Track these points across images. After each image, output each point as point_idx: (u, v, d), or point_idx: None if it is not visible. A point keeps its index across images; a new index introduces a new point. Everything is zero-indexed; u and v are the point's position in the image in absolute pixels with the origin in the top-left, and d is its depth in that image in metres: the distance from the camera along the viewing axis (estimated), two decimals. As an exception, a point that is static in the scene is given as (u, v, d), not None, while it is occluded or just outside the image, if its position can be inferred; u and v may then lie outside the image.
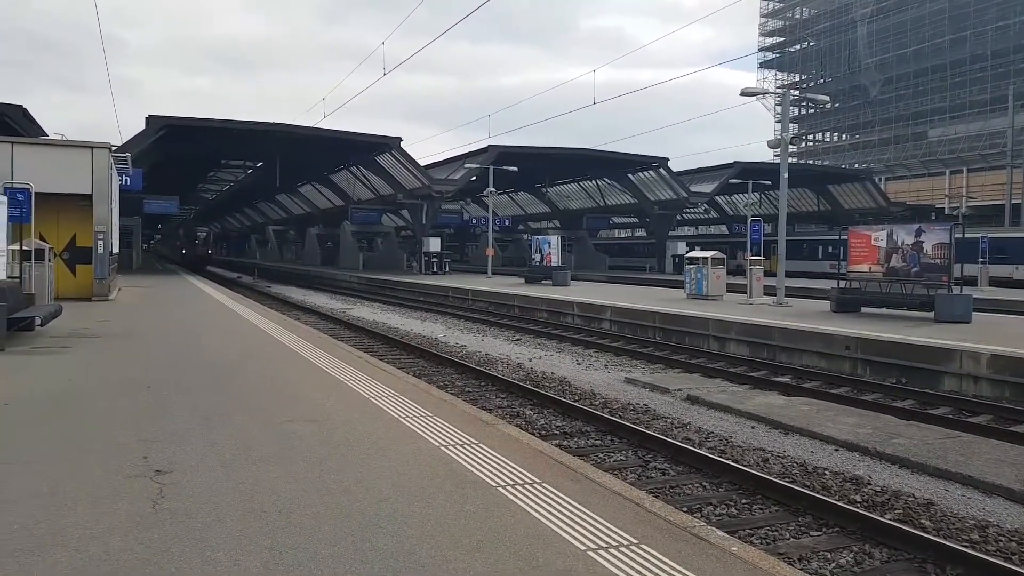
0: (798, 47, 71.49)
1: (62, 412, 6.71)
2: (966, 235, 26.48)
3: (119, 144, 28.04)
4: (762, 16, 74.05)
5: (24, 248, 14.89)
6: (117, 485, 4.66)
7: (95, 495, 4.47)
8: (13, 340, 11.01)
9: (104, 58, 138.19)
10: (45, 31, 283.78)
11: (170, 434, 5.91)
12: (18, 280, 14.12)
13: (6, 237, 13.39)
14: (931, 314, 15.79)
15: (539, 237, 35.16)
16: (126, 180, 26.13)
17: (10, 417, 6.49)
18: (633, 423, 8.95)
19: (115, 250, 22.87)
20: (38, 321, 12.15)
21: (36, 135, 25.19)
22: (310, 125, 38.17)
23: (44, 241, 16.32)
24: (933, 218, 45.12)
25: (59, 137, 21.02)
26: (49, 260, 16.01)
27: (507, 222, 59.48)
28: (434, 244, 42.79)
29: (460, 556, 3.69)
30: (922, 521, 5.99)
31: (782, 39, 73.04)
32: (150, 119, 31.74)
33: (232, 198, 70.66)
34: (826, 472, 7.29)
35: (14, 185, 15.06)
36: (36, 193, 15.19)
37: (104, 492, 4.52)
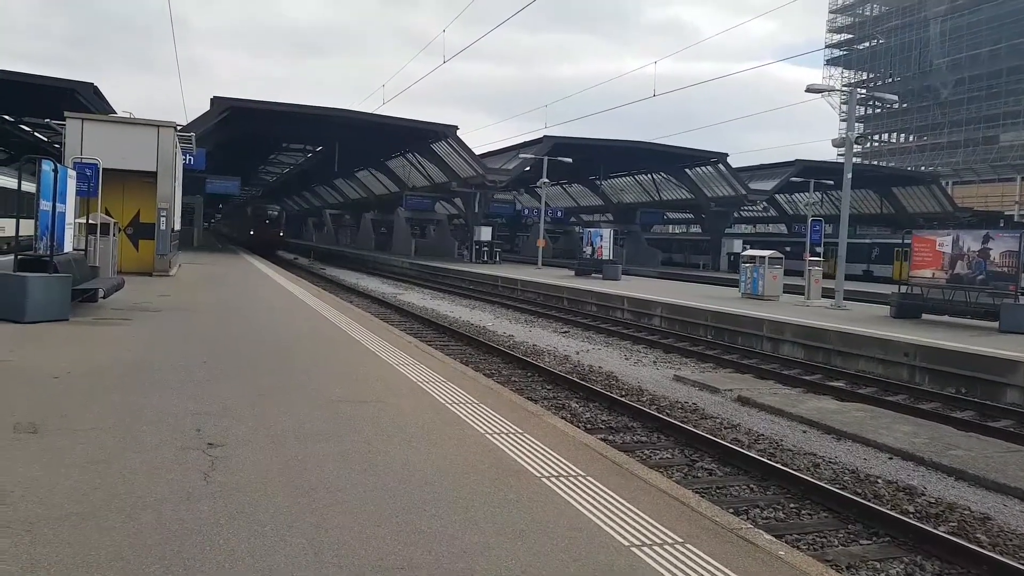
0: (867, 45, 69.37)
1: (120, 383, 6.92)
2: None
3: (184, 124, 28.77)
4: (831, 12, 72.09)
5: (90, 222, 15.39)
6: (171, 456, 4.78)
7: (150, 465, 4.59)
8: (77, 310, 11.40)
9: (172, 38, 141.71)
10: (116, 9, 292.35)
11: (223, 408, 6.04)
12: (84, 253, 14.61)
13: (74, 210, 13.85)
14: (995, 324, 15.22)
15: (591, 230, 34.97)
16: (190, 159, 26.81)
17: (71, 385, 6.72)
18: (681, 421, 8.84)
19: (177, 227, 23.49)
20: (101, 293, 12.56)
21: (105, 112, 25.97)
22: (369, 111, 38.60)
23: (109, 216, 16.85)
24: (1002, 224, 43.48)
25: (127, 115, 21.61)
26: (114, 234, 16.53)
27: (559, 213, 59.21)
28: (485, 233, 42.93)
29: (502, 543, 3.68)
30: (977, 535, 5.79)
31: (850, 36, 70.96)
32: (214, 101, 32.46)
33: (291, 181, 71.80)
34: (879, 480, 7.10)
35: (83, 160, 15.57)
36: (103, 169, 15.68)
37: (158, 462, 4.64)
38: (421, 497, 4.26)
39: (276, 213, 52.04)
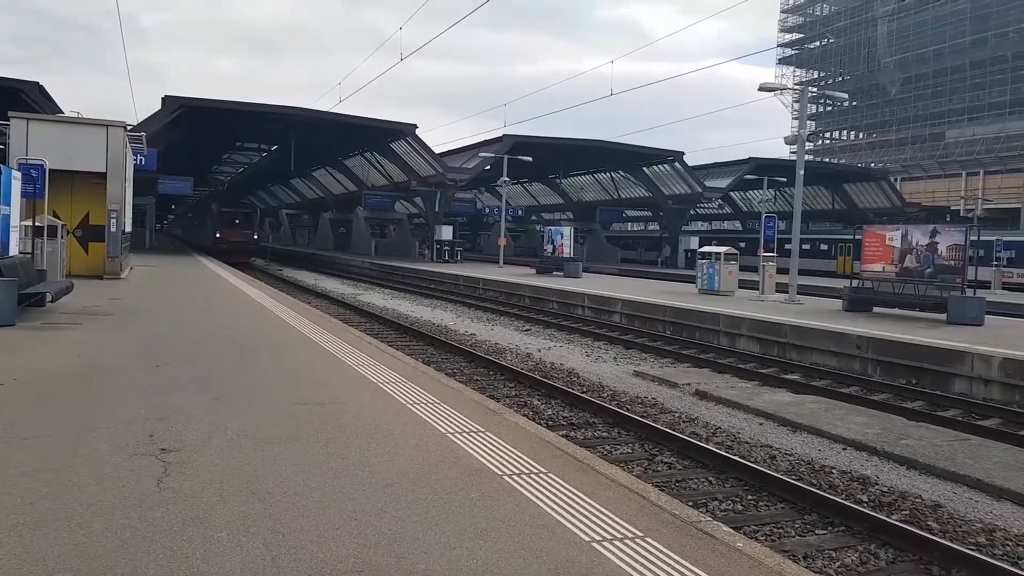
0: (817, 44, 70.80)
1: (70, 388, 6.73)
2: (981, 238, 26.24)
3: (135, 124, 28.12)
4: (782, 11, 73.40)
5: (37, 224, 14.95)
6: (122, 463, 4.66)
7: (100, 472, 4.47)
8: (24, 315, 11.07)
9: (121, 36, 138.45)
10: (65, 10, 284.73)
11: (177, 413, 5.92)
12: (30, 256, 14.18)
13: (20, 213, 13.44)
14: (943, 316, 15.65)
15: (552, 228, 35.10)
16: (141, 160, 26.18)
17: (17, 392, 6.52)
18: (641, 416, 8.91)
19: (128, 229, 22.95)
20: (49, 297, 12.21)
21: (52, 112, 25.26)
22: (325, 110, 38.15)
23: (57, 218, 16.39)
24: (948, 219, 44.77)
25: (75, 115, 21.04)
26: (62, 237, 16.09)
27: (520, 212, 59.31)
28: (446, 232, 42.80)
29: (464, 543, 3.67)
30: (929, 523, 5.93)
31: (801, 35, 72.35)
32: (166, 99, 31.80)
33: (246, 181, 70.63)
34: (833, 471, 7.24)
35: (29, 161, 15.11)
36: (50, 170, 15.23)
37: (109, 469, 4.53)
38: (381, 499, 4.22)
39: (249, 211, 43.56)
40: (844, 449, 8.03)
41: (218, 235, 39.16)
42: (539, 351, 14.19)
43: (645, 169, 47.58)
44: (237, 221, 40.18)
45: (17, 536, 3.52)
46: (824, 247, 44.02)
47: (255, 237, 41.03)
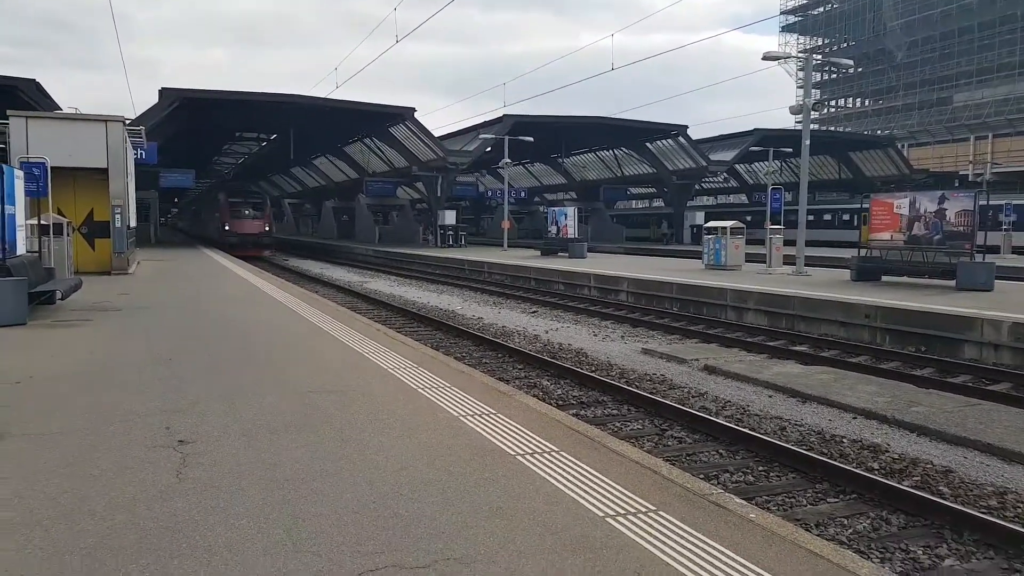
0: (821, 10, 70.03)
1: (85, 384, 6.81)
2: (990, 202, 26.07)
3: (133, 118, 28.12)
4: (784, -21, 72.56)
5: (42, 222, 15.02)
6: (141, 455, 4.73)
7: (120, 465, 4.54)
8: (35, 314, 11.16)
9: (116, 34, 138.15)
10: (58, 10, 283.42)
11: (192, 405, 5.99)
12: (38, 255, 14.26)
13: (25, 211, 13.50)
14: (953, 282, 15.62)
15: (555, 209, 35.02)
16: (141, 154, 26.21)
17: (33, 389, 6.60)
18: (650, 393, 8.96)
19: (133, 224, 23.04)
20: (59, 295, 12.30)
21: (50, 110, 25.29)
22: (323, 96, 38.04)
23: (62, 215, 16.46)
24: (956, 185, 44.48)
25: (73, 111, 21.06)
26: (67, 234, 16.16)
27: (523, 194, 59.21)
28: (449, 217, 42.74)
29: (480, 522, 3.73)
30: (940, 488, 5.97)
31: (804, 2, 71.58)
32: (163, 92, 31.76)
33: (247, 171, 70.67)
34: (844, 440, 7.28)
35: (30, 159, 15.15)
36: (52, 167, 15.26)
37: (128, 462, 4.60)
38: (397, 482, 4.28)
39: (259, 199, 40.39)
40: (854, 418, 8.07)
41: (227, 227, 36.72)
42: (547, 332, 14.23)
43: (648, 145, 47.33)
44: (247, 211, 37.58)
45: (43, 531, 3.59)
46: (827, 217, 43.80)
47: (267, 228, 38.19)
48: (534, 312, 17.46)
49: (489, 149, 40.87)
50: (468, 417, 5.72)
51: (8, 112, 17.78)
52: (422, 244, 44.54)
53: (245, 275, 20.16)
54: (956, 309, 12.06)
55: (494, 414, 5.83)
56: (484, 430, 5.37)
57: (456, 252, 35.60)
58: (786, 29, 72.15)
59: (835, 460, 6.48)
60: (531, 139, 38.84)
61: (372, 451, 4.85)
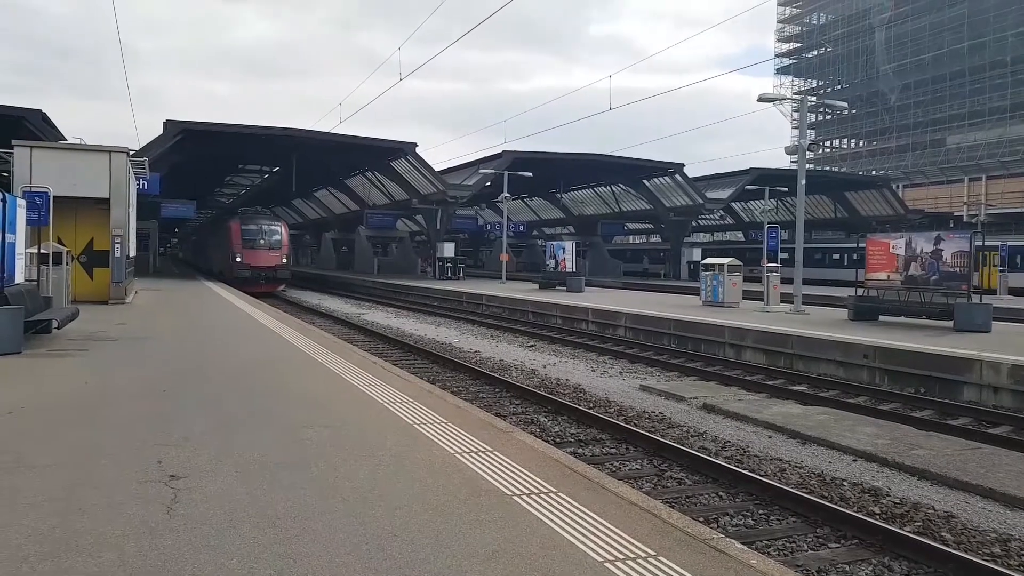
0: (815, 53, 71.13)
1: (77, 416, 6.73)
2: (986, 243, 26.19)
3: (137, 149, 28.29)
4: (779, 22, 73.80)
5: (42, 251, 15.01)
6: (132, 490, 4.65)
7: (110, 500, 4.46)
8: (30, 343, 11.09)
9: (123, 64, 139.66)
10: (62, 39, 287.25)
11: (185, 439, 5.91)
12: (36, 283, 14.23)
13: (25, 240, 13.49)
14: (950, 323, 15.60)
15: (553, 243, 35.15)
16: (143, 184, 26.34)
17: (25, 420, 6.52)
18: (649, 431, 8.88)
19: (132, 254, 23.04)
20: (55, 324, 12.23)
21: (55, 139, 25.43)
22: (326, 130, 38.35)
23: (62, 244, 16.45)
24: (951, 226, 44.72)
25: (78, 141, 21.18)
26: (67, 263, 16.14)
27: (521, 227, 59.45)
28: (448, 249, 42.89)
29: (475, 566, 3.65)
30: (942, 534, 5.89)
31: (799, 45, 72.71)
32: (167, 124, 31.99)
33: (247, 202, 70.92)
34: (844, 483, 7.20)
35: (33, 188, 15.20)
36: (54, 196, 15.31)
37: (119, 497, 4.52)
38: (391, 522, 4.21)
39: (276, 226, 34.76)
40: (854, 460, 7.99)
41: (238, 258, 32.07)
42: (544, 367, 14.17)
43: (646, 182, 47.68)
44: (262, 240, 32.88)
45: (29, 567, 3.51)
46: (821, 256, 43.95)
47: (284, 261, 33.30)
48: (532, 346, 17.40)
49: (489, 184, 41.12)
50: (464, 454, 5.65)
51: (13, 142, 17.88)
52: (420, 276, 44.58)
53: (242, 305, 20.11)
54: (955, 350, 12.03)
55: (491, 451, 5.76)
56: (480, 468, 5.30)
57: (454, 284, 35.61)
58: (781, 71, 73.22)
59: (836, 504, 6.40)
60: (530, 174, 39.12)
61: (366, 489, 4.78)
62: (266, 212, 42.41)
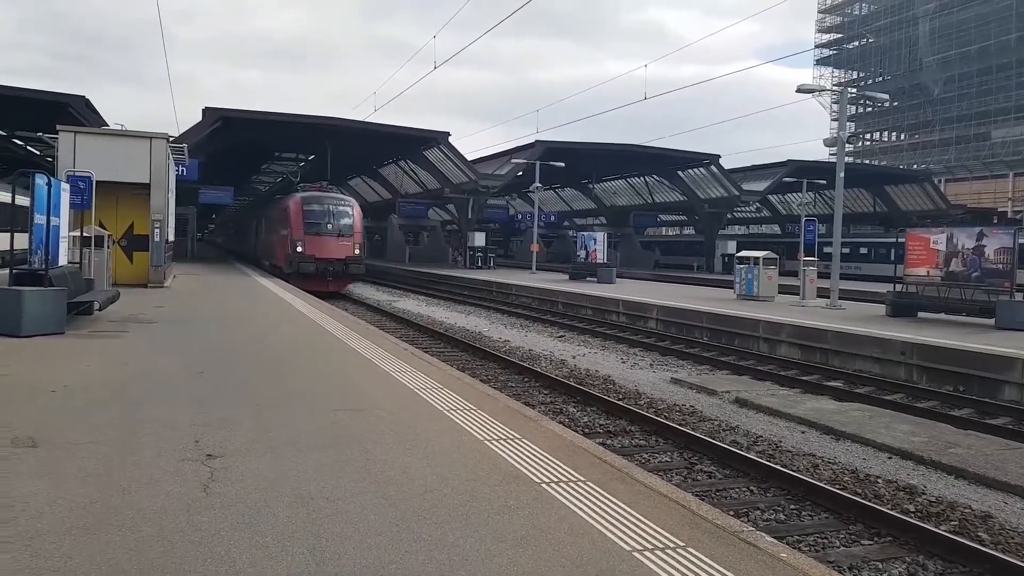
0: (856, 44, 69.71)
1: (117, 395, 6.89)
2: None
3: (176, 135, 28.73)
4: (820, 12, 72.45)
5: (85, 235, 15.35)
6: (170, 468, 4.76)
7: (149, 477, 4.57)
8: (73, 324, 11.35)
9: (164, 52, 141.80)
10: (103, 27, 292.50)
11: (221, 419, 6.02)
12: (78, 266, 14.56)
13: (68, 223, 13.80)
14: (991, 321, 15.27)
15: (585, 233, 35.02)
16: (182, 170, 26.75)
17: (68, 398, 6.69)
18: (679, 424, 8.84)
19: (171, 238, 23.44)
20: (97, 306, 12.51)
21: (97, 125, 25.92)
22: (361, 119, 38.59)
23: (103, 228, 16.81)
24: (995, 221, 43.67)
25: (119, 127, 21.58)
26: (108, 247, 16.48)
27: (552, 218, 59.31)
28: (479, 239, 42.97)
29: (504, 550, 3.67)
30: (979, 534, 5.79)
31: (839, 35, 71.31)
32: (206, 111, 32.43)
33: (283, 189, 71.53)
34: (878, 480, 7.10)
35: (76, 173, 15.53)
36: (96, 181, 15.64)
37: (157, 475, 4.62)
38: (421, 505, 4.25)
39: (347, 206, 27.68)
40: (890, 458, 7.88)
41: (299, 248, 25.48)
42: (574, 358, 14.15)
43: (680, 173, 47.21)
44: (330, 224, 26.23)
45: (72, 539, 3.61)
46: (863, 250, 43.21)
47: (357, 252, 26.50)
48: (561, 336, 17.39)
49: (520, 173, 41.08)
50: (493, 441, 5.68)
51: (58, 127, 18.28)
52: (451, 265, 44.74)
53: (277, 291, 20.37)
54: (995, 348, 11.77)
55: (519, 439, 5.78)
56: (509, 455, 5.33)
57: (484, 274, 35.68)
58: (820, 62, 71.87)
59: (870, 501, 6.32)
60: (562, 164, 38.97)
61: (397, 472, 4.83)
62: (332, 188, 32.75)
